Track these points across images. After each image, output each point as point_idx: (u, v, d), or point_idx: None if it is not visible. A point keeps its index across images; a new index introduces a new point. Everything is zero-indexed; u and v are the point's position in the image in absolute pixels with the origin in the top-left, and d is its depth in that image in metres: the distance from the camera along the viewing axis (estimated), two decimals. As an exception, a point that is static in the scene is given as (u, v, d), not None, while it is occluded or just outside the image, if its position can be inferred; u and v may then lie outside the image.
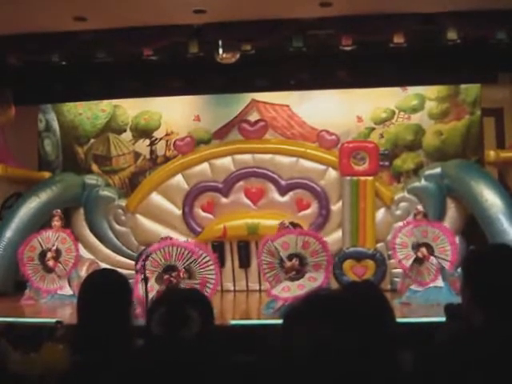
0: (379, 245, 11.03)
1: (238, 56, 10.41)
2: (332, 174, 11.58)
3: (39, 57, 10.32)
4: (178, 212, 11.90)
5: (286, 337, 1.61)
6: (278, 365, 1.58)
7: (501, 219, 10.30)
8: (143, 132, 13.02)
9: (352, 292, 2.84)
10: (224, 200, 11.85)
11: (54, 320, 7.01)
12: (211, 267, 8.47)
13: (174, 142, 12.40)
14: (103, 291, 2.71)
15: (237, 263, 11.69)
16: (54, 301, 9.98)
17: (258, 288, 11.61)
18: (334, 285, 10.54)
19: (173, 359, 2.21)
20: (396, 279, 10.93)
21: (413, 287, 9.68)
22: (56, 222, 10.47)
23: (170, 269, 8.31)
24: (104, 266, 11.29)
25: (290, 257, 8.74)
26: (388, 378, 1.73)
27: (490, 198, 10.52)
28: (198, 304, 2.35)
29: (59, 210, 10.71)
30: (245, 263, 11.67)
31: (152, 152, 13.03)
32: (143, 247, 11.34)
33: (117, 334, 2.58)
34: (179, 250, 8.38)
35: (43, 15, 9.11)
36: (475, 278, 2.32)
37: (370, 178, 11.12)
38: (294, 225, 9.32)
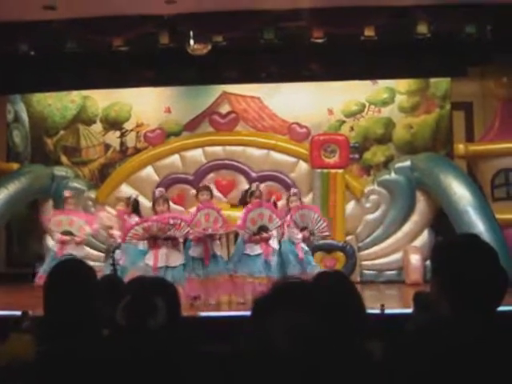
0: (349, 237, 11.08)
1: (209, 47, 10.38)
2: (303, 166, 11.61)
3: (7, 46, 10.18)
4: (149, 204, 11.82)
5: (257, 326, 1.60)
6: (251, 354, 1.57)
7: (469, 212, 10.37)
8: (113, 123, 12.92)
9: (322, 282, 2.84)
10: (195, 192, 11.79)
11: (19, 312, 6.93)
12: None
13: (145, 134, 12.34)
14: (69, 281, 2.69)
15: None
16: None
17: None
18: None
19: (138, 349, 2.19)
20: (366, 271, 10.99)
21: None
22: (69, 205, 9.98)
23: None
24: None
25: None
26: (356, 366, 1.73)
27: (459, 191, 10.59)
28: (164, 293, 2.33)
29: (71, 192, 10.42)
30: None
31: (122, 144, 12.94)
32: (112, 239, 11.27)
33: (83, 324, 2.56)
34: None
35: (12, 3, 9.00)
36: (443, 268, 2.32)
37: (341, 171, 11.18)
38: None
